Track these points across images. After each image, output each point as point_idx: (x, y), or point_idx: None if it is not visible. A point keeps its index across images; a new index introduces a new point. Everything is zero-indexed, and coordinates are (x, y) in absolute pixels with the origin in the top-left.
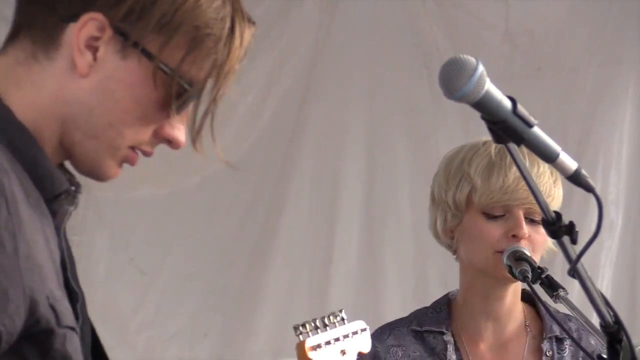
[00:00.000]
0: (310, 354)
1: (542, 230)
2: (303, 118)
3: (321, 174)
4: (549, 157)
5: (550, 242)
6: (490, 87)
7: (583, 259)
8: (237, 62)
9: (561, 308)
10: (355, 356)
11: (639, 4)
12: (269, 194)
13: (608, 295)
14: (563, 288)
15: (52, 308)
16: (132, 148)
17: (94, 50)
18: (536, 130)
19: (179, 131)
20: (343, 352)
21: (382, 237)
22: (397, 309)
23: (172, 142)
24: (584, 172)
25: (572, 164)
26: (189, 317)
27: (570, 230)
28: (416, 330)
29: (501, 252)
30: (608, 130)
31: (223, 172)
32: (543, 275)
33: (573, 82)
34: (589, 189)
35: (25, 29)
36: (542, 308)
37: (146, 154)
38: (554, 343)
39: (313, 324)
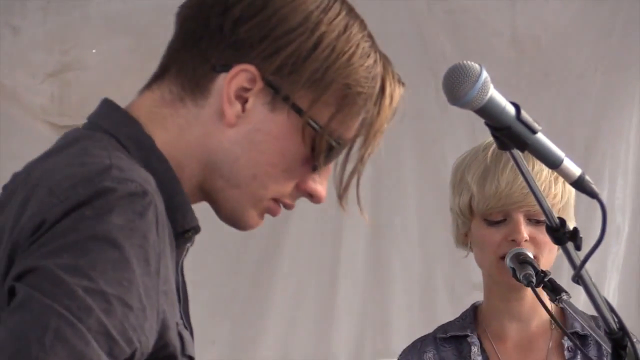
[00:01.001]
0: None
1: None
2: None
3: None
4: (553, 164)
5: None
6: (494, 93)
7: (589, 265)
8: (386, 121)
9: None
10: None
11: None
12: None
13: (615, 301)
14: (566, 292)
15: (180, 335)
16: (275, 200)
17: (243, 101)
18: (540, 136)
19: (322, 185)
20: None
21: (388, 244)
22: (404, 317)
23: (313, 197)
24: (587, 178)
25: (576, 170)
26: (196, 324)
27: (574, 236)
28: (442, 337)
29: (504, 257)
30: (615, 136)
31: None
32: (546, 279)
33: (580, 88)
34: (593, 195)
35: (174, 72)
36: (553, 320)
37: (287, 206)
38: (576, 339)
39: None
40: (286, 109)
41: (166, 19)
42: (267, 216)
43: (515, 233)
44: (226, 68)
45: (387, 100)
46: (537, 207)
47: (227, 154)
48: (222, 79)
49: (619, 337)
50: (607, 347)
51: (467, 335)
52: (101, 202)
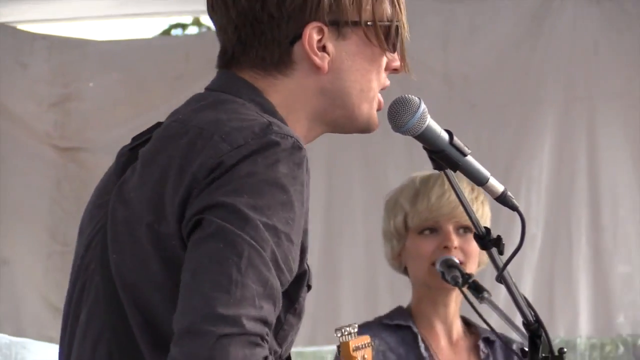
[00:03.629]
0: (354, 353)
1: (474, 241)
2: None
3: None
4: (480, 181)
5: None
6: (430, 122)
7: (508, 267)
8: None
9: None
10: None
11: (557, 53)
12: None
13: (529, 299)
14: (487, 291)
15: (308, 267)
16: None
17: (323, 48)
18: (469, 158)
19: (397, 60)
20: (363, 358)
21: (339, 248)
22: (350, 311)
23: (397, 69)
24: (509, 193)
25: (499, 187)
26: None
27: (497, 242)
28: (387, 323)
29: (434, 264)
30: (530, 159)
31: None
32: (470, 280)
33: (501, 118)
34: (513, 208)
35: (256, 59)
36: (477, 314)
37: (386, 87)
38: (487, 344)
39: (347, 330)
40: (349, 29)
41: (152, 57)
42: None
43: (447, 241)
44: (297, 38)
45: None
46: (464, 219)
47: (333, 92)
48: (298, 47)
49: (534, 328)
50: (521, 337)
51: (409, 327)
52: (270, 153)
